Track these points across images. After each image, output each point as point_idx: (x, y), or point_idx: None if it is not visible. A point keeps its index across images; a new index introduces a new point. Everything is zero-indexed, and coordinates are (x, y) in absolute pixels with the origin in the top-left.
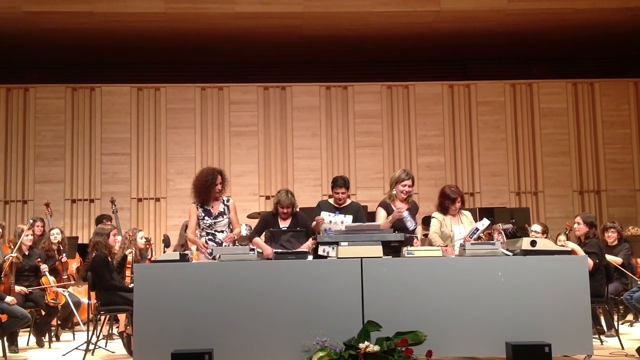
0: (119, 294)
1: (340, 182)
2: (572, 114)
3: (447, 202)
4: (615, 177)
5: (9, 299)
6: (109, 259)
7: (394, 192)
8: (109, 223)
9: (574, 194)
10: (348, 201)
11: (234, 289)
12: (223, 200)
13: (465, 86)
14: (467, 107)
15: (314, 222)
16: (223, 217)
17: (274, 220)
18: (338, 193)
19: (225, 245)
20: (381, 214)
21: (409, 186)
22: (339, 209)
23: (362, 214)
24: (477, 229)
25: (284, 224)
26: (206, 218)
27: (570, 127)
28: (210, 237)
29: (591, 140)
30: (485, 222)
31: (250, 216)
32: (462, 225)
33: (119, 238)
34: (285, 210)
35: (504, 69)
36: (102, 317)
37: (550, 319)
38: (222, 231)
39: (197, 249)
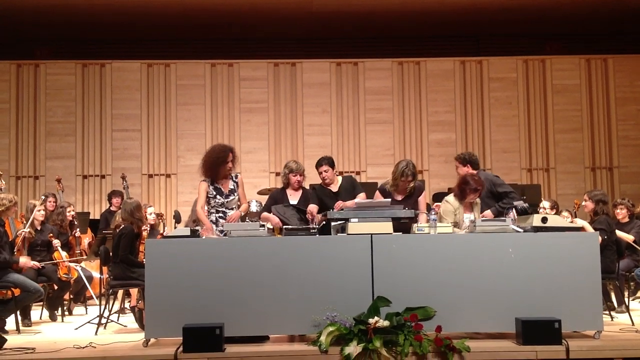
0: (132, 268)
1: (321, 161)
2: (585, 90)
3: (468, 190)
4: (627, 154)
5: (22, 260)
6: None
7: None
8: (132, 198)
9: (586, 171)
10: (339, 180)
11: (245, 264)
12: (232, 177)
13: (477, 62)
14: (478, 84)
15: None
16: (234, 194)
17: (283, 197)
18: (321, 173)
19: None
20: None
21: (409, 182)
22: (333, 193)
23: (356, 183)
24: None
25: (293, 200)
26: (217, 197)
27: (583, 104)
28: (220, 214)
29: (604, 116)
30: None
31: (260, 192)
32: (473, 214)
33: None
34: (299, 178)
35: (516, 45)
36: (116, 291)
37: (561, 295)
38: (233, 208)
39: (204, 229)
